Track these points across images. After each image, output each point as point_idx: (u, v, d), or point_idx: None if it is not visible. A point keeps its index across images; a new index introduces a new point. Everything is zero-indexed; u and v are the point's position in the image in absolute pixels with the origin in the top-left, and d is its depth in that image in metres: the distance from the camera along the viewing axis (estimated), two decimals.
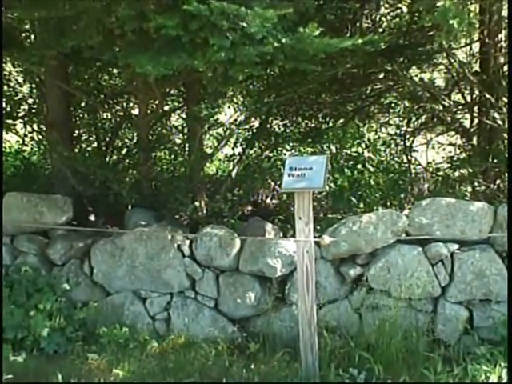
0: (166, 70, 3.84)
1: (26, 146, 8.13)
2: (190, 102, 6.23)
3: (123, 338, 5.09)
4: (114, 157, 7.34)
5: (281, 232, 5.62)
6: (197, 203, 5.90)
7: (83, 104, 7.37)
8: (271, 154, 7.61)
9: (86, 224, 6.03)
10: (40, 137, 7.34)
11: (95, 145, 7.70)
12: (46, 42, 4.44)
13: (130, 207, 6.27)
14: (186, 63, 3.86)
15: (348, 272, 5.04)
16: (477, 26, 5.74)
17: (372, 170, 7.09)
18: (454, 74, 6.95)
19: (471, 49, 6.99)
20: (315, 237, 4.57)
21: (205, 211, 6.00)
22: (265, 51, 3.72)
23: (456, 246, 4.89)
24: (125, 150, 7.58)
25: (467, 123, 7.07)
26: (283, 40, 3.80)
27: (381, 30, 6.77)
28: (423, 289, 4.83)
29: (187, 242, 5.37)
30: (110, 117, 7.75)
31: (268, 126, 7.51)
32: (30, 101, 7.40)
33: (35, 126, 7.14)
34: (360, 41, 4.00)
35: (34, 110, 7.18)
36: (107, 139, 7.59)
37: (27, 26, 6.22)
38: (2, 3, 4.25)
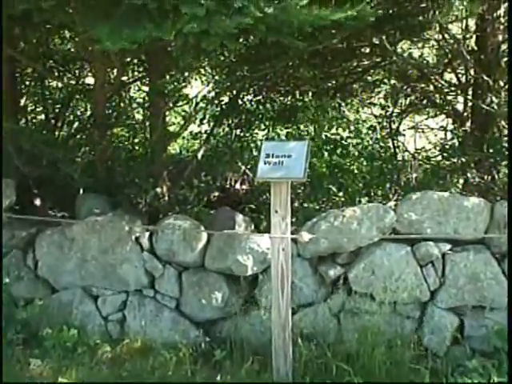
0: (128, 44, 3.64)
1: None
2: (153, 74, 6.04)
3: (71, 341, 4.94)
4: (64, 132, 7.10)
5: (252, 224, 5.49)
6: (158, 189, 5.75)
7: (29, 71, 7.10)
8: (242, 134, 7.48)
9: (31, 210, 5.83)
10: None
11: (43, 117, 7.45)
12: None
13: (81, 191, 6.08)
14: (152, 35, 3.66)
15: (327, 272, 4.93)
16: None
17: (354, 155, 6.99)
18: (448, 51, 6.85)
19: (467, 23, 6.88)
20: (292, 232, 4.46)
21: (167, 198, 5.84)
22: (244, 22, 3.52)
23: (448, 246, 4.80)
24: (77, 125, 7.35)
25: (460, 107, 6.99)
26: (266, 9, 3.60)
27: None
28: (410, 293, 4.75)
29: (146, 234, 5.22)
30: (60, 86, 7.48)
31: (239, 101, 7.35)
32: None
33: None
34: (354, 13, 3.82)
35: None
36: (56, 111, 7.35)
37: None
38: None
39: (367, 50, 7.00)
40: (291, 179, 4.33)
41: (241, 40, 5.31)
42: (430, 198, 4.88)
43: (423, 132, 7.76)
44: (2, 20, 4.32)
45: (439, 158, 6.72)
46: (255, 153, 7.37)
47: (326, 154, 6.85)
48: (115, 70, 6.26)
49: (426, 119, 7.80)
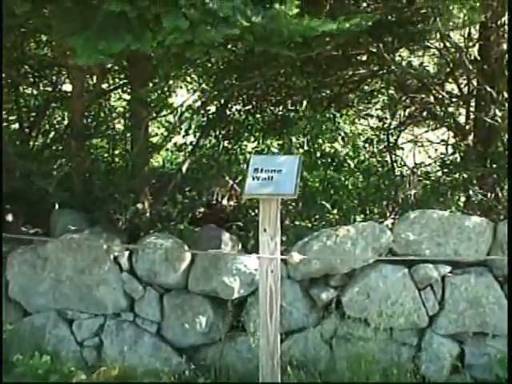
0: (105, 58, 3.67)
1: None
2: (135, 81, 6.05)
3: (43, 368, 4.89)
4: (39, 143, 7.09)
5: (239, 243, 5.49)
6: (139, 205, 5.74)
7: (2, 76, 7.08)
8: (230, 146, 7.48)
9: (2, 226, 5.79)
10: None
11: (16, 126, 7.44)
12: None
13: (56, 207, 6.05)
14: (131, 47, 3.68)
15: (319, 295, 4.93)
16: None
17: (349, 169, 6.99)
18: (449, 60, 6.89)
19: (470, 31, 6.93)
20: (282, 252, 4.46)
21: (148, 214, 5.84)
22: (230, 33, 3.55)
23: (448, 269, 4.83)
24: (52, 135, 7.35)
25: (462, 119, 7.03)
26: (253, 18, 3.63)
27: (365, 4, 6.67)
28: (407, 318, 4.76)
29: (126, 253, 5.21)
30: (35, 93, 7.49)
31: (227, 111, 7.37)
32: None
33: None
34: (347, 24, 3.87)
35: None
36: (31, 120, 7.35)
37: None
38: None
39: (364, 58, 7.04)
40: (281, 196, 4.33)
41: (228, 47, 5.33)
42: (429, 216, 4.91)
43: (423, 146, 7.78)
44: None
45: (439, 173, 6.73)
46: (244, 166, 7.37)
47: (319, 168, 6.83)
48: (94, 77, 6.26)
49: (426, 132, 7.83)
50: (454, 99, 7.02)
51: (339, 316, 4.89)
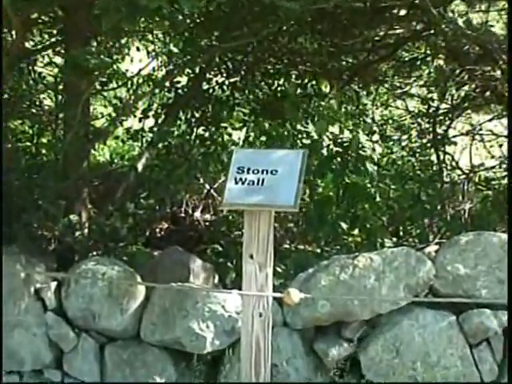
0: None
1: None
2: (72, 40, 6.09)
3: None
4: None
5: (216, 274, 5.56)
6: (74, 216, 5.77)
7: None
8: (207, 134, 7.52)
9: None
10: None
11: None
12: None
13: None
14: None
15: (328, 351, 4.97)
16: None
17: (377, 171, 7.04)
18: None
19: None
20: (276, 288, 4.50)
21: (86, 230, 5.88)
22: None
23: None
24: None
25: None
26: None
27: None
28: None
29: (53, 284, 5.26)
30: None
31: (204, 84, 7.41)
32: None
33: None
34: None
35: None
36: None
37: None
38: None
39: (402, 13, 7.06)
40: (276, 207, 4.29)
41: None
42: (488, 242, 4.96)
43: (483, 140, 7.82)
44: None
45: (505, 180, 6.79)
46: (226, 164, 7.42)
47: (333, 169, 6.87)
48: (14, 32, 6.31)
49: (489, 121, 7.85)
50: None
51: (356, 381, 4.93)
